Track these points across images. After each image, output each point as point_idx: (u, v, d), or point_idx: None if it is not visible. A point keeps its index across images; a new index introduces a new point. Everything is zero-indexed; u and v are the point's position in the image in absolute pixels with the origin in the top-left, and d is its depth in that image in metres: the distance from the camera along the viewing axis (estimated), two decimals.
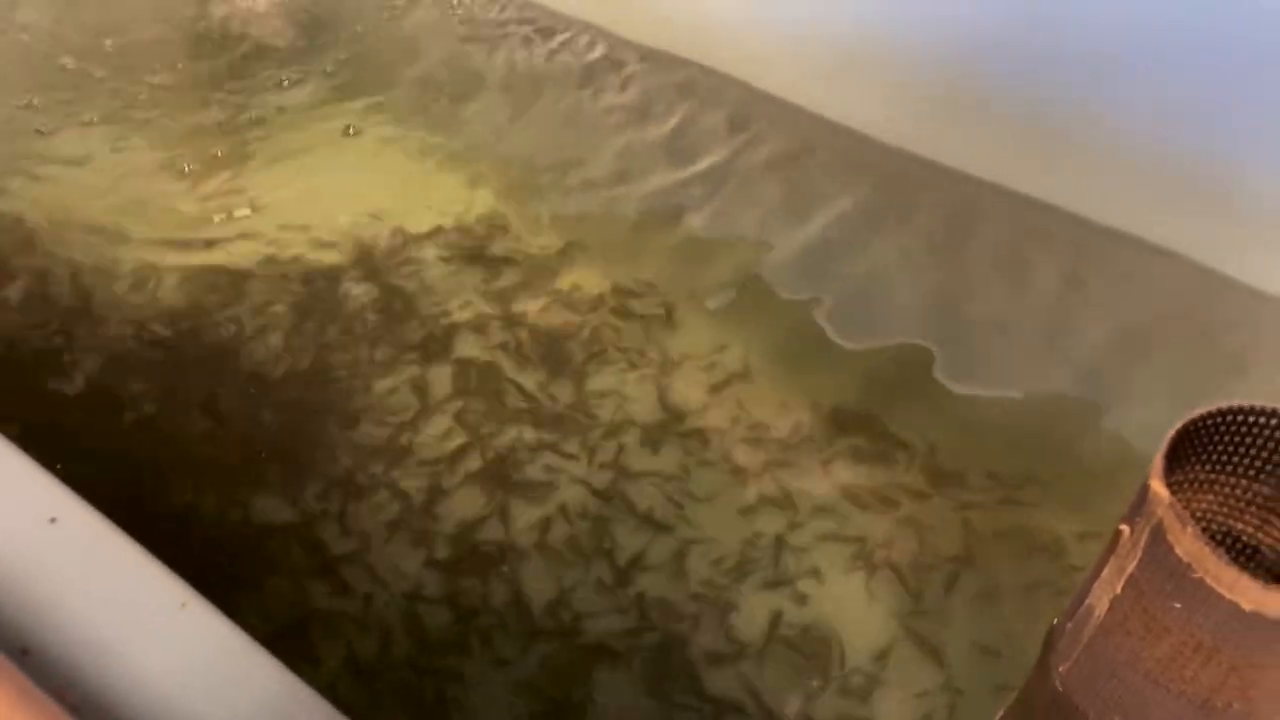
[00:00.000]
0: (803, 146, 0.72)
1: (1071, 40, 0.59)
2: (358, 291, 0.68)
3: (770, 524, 0.59)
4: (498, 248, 0.70)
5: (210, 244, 0.70)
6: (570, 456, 0.61)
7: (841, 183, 0.70)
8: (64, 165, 0.73)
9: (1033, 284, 0.64)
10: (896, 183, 0.69)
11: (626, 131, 0.75)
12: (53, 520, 0.31)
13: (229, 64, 0.82)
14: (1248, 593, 0.34)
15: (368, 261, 0.70)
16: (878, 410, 0.61)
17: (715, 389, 0.64)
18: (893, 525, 0.57)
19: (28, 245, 0.69)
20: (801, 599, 0.55)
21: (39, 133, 0.74)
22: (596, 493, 0.59)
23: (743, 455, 0.60)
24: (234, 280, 0.68)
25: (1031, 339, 0.62)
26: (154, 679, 0.28)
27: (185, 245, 0.69)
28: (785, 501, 0.58)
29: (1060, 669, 0.45)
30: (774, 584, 0.56)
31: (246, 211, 0.72)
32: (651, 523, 0.59)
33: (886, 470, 0.59)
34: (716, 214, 0.71)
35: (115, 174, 0.73)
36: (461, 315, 0.67)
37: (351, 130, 0.76)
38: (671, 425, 0.63)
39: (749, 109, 0.74)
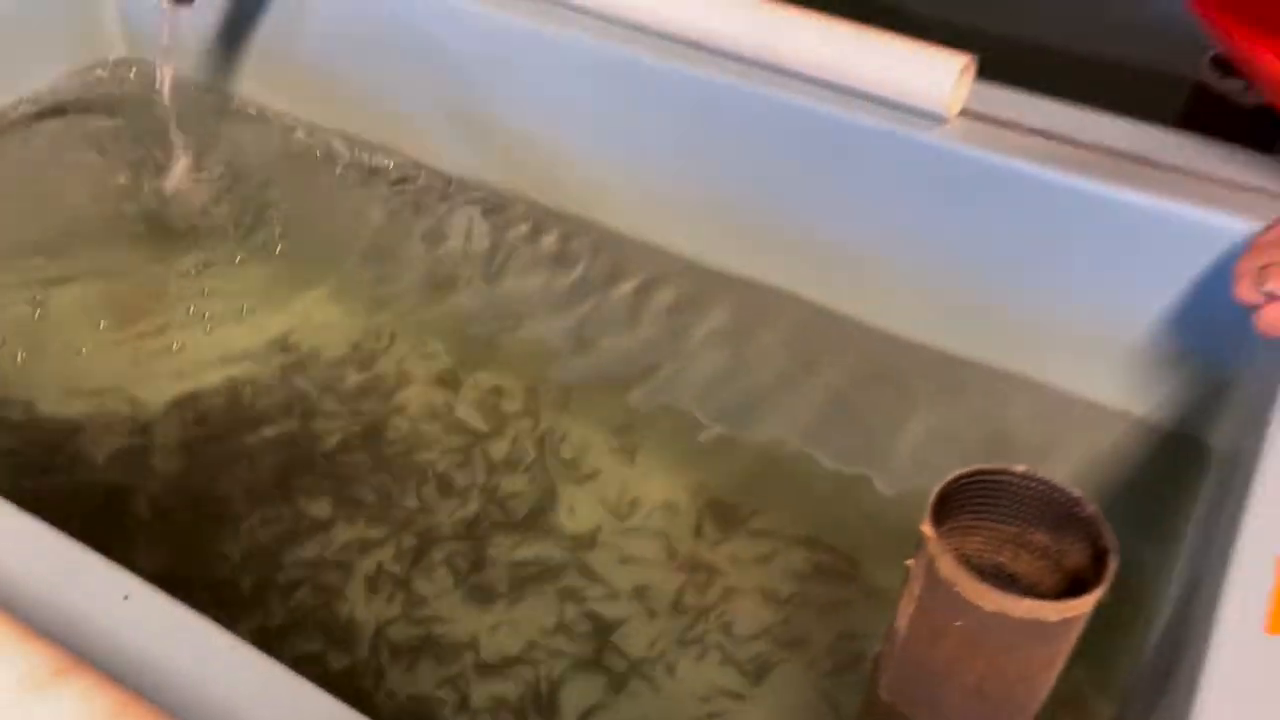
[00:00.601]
0: (658, 277, 0.86)
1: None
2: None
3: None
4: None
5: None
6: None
7: (719, 313, 0.85)
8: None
9: (859, 388, 0.78)
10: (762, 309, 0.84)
11: (561, 283, 0.87)
12: (126, 597, 0.42)
13: (167, 244, 0.89)
14: (989, 599, 0.48)
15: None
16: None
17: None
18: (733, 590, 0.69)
19: None
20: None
21: None
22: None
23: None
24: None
25: (863, 436, 0.76)
26: (218, 703, 0.39)
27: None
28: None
29: (883, 682, 0.58)
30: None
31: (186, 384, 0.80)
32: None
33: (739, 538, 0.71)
34: (619, 343, 0.84)
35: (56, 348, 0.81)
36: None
37: (292, 302, 0.85)
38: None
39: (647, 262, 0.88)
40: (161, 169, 0.95)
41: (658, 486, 0.73)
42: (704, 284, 0.86)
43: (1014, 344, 0.76)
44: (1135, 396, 0.73)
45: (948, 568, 0.49)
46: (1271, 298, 0.58)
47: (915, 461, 0.73)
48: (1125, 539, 0.68)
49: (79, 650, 0.37)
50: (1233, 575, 0.46)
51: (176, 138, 0.94)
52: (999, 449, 0.72)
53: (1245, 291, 0.59)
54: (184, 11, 0.89)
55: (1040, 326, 0.74)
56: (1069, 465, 0.71)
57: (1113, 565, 0.50)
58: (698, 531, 0.70)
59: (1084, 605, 0.48)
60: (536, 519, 0.71)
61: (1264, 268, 0.59)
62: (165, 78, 0.90)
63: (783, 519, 0.71)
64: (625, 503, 0.72)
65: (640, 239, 0.89)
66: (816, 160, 0.78)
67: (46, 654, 0.36)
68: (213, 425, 0.76)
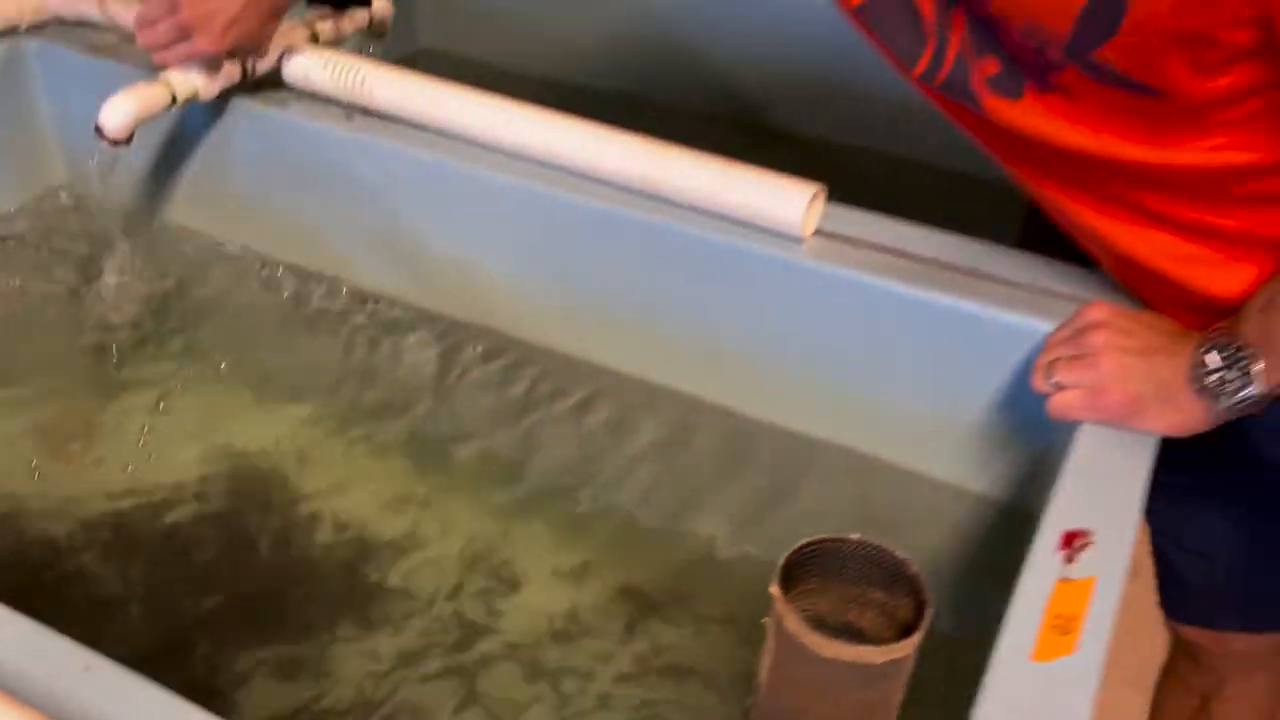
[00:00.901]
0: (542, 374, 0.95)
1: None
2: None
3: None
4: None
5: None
6: None
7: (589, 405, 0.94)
8: None
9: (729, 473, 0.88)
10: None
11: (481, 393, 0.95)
12: (86, 668, 0.49)
13: (110, 368, 0.94)
14: (825, 648, 0.58)
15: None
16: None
17: None
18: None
19: None
20: None
21: None
22: None
23: None
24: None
25: (727, 513, 0.85)
26: None
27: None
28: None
29: None
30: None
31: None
32: None
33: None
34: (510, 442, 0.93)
35: None
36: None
37: (235, 422, 0.91)
38: None
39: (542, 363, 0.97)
40: (103, 295, 1.02)
41: (587, 580, 0.80)
42: (610, 386, 0.95)
43: (870, 430, 0.87)
44: (973, 474, 0.84)
45: (792, 623, 0.59)
46: (1059, 387, 0.70)
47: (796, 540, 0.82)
48: (968, 599, 0.79)
49: (53, 714, 0.45)
50: (1014, 611, 0.56)
51: (117, 264, 1.02)
52: (858, 523, 0.82)
53: (1039, 383, 0.71)
54: (121, 149, 0.97)
55: (890, 414, 0.85)
56: (919, 537, 0.81)
57: (928, 615, 0.59)
58: (623, 617, 0.78)
59: (902, 649, 0.58)
60: (467, 621, 0.77)
61: (1051, 362, 0.71)
62: (104, 207, 0.99)
63: (698, 601, 0.79)
64: (558, 606, 0.79)
65: (562, 351, 0.98)
66: (700, 277, 0.89)
67: (30, 715, 0.43)
68: (156, 543, 0.82)
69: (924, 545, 0.82)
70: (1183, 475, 0.92)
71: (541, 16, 1.62)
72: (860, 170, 1.39)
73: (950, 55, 0.71)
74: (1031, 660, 0.52)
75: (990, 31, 0.68)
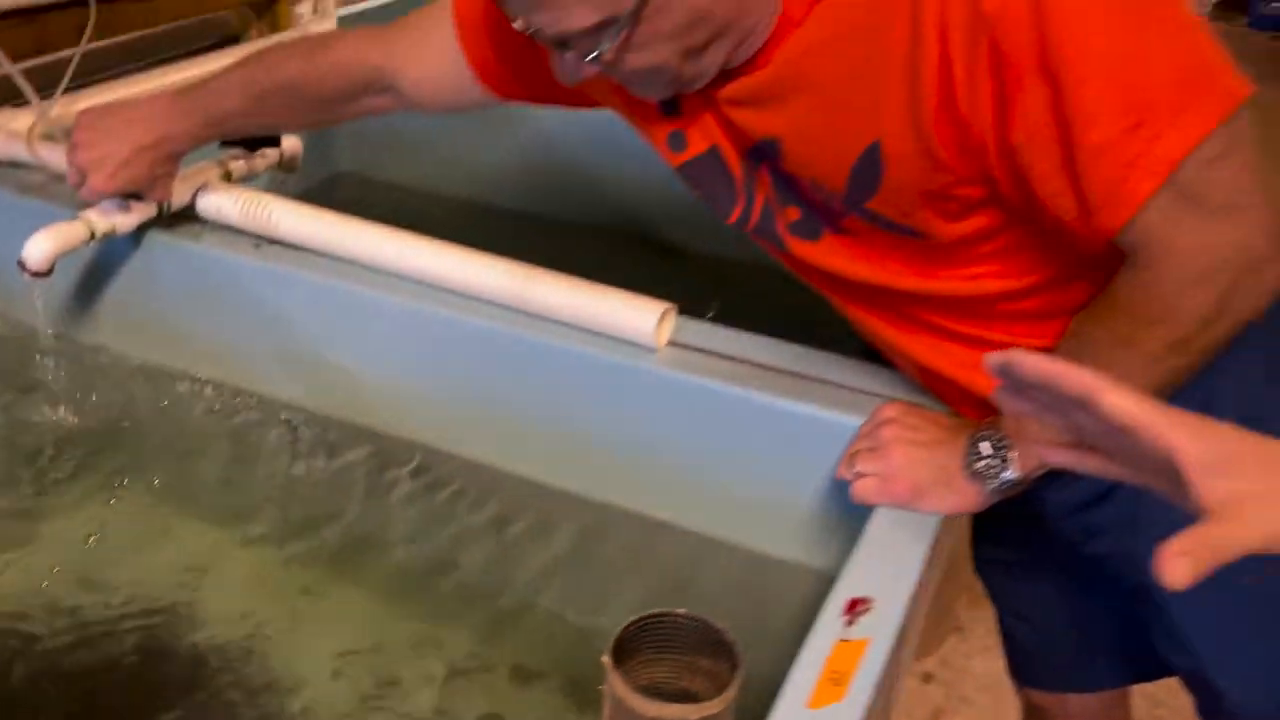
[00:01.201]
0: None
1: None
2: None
3: None
4: None
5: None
6: None
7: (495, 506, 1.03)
8: None
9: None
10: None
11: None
12: None
13: (43, 487, 0.99)
14: (647, 708, 0.67)
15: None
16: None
17: None
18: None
19: None
20: None
21: None
22: None
23: None
24: None
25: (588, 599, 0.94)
26: None
27: None
28: None
29: None
30: None
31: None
32: None
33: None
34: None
35: None
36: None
37: (168, 538, 0.96)
38: None
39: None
40: (36, 416, 1.09)
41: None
42: (490, 481, 1.05)
43: (719, 516, 0.97)
44: (810, 553, 0.94)
45: (620, 689, 0.68)
46: (858, 475, 0.81)
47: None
48: None
49: None
50: (799, 665, 0.65)
51: (48, 387, 1.10)
52: (708, 599, 0.91)
53: (843, 471, 0.82)
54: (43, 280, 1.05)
55: (736, 502, 0.96)
56: (764, 609, 0.91)
57: (739, 676, 0.69)
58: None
59: (713, 707, 0.67)
60: None
61: (853, 454, 0.82)
62: (35, 335, 1.07)
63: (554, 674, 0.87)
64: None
65: (453, 452, 1.08)
66: (567, 384, 1.00)
67: None
68: (76, 660, 0.87)
69: (768, 617, 0.93)
70: (1009, 553, 1.04)
71: (452, 142, 1.76)
72: (742, 281, 1.52)
73: (758, 206, 0.84)
74: (806, 707, 0.62)
75: (790, 186, 0.81)
